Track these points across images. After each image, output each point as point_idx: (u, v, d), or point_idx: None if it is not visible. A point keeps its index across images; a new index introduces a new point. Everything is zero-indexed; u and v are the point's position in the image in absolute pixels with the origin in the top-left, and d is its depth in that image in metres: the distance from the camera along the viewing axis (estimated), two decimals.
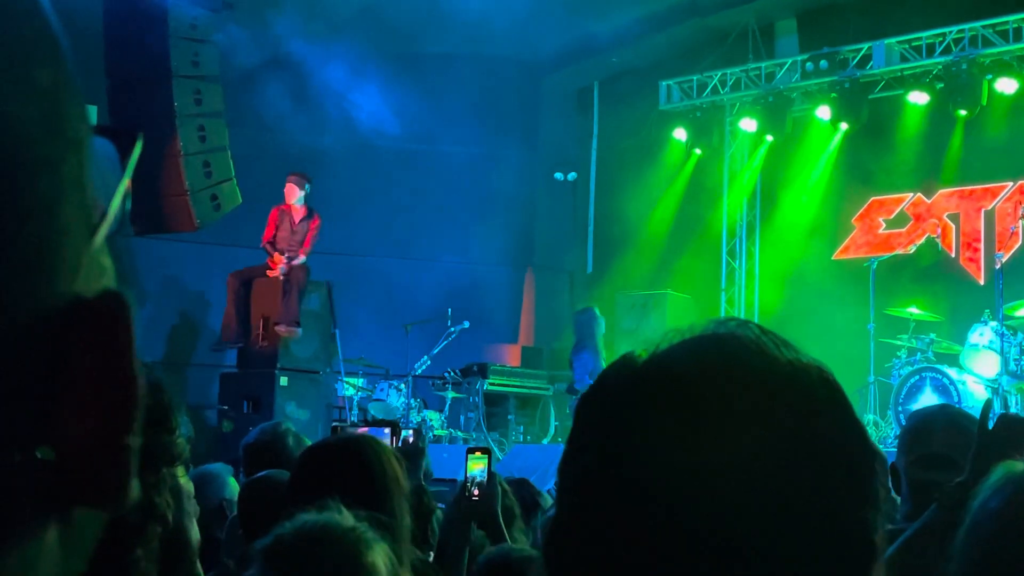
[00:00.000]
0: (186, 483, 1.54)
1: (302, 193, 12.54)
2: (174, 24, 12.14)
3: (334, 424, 4.67)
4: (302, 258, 12.40)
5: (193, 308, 14.18)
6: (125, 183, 0.63)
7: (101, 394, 0.55)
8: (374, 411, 12.47)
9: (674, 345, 0.96)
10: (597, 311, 13.06)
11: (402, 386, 12.98)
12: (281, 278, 12.31)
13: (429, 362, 13.23)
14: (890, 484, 3.57)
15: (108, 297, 0.57)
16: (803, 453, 0.90)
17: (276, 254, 12.44)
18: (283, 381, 12.18)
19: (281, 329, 12.20)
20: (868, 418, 11.88)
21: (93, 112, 10.55)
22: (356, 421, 8.04)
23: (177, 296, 14.27)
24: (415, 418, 12.90)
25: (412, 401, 13.08)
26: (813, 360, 0.96)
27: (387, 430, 4.19)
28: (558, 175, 16.41)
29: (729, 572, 0.87)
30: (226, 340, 12.66)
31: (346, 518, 2.07)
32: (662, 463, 0.89)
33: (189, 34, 12.31)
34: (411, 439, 4.96)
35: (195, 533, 1.51)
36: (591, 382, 1.01)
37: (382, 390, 13.21)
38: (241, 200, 12.78)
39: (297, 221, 12.50)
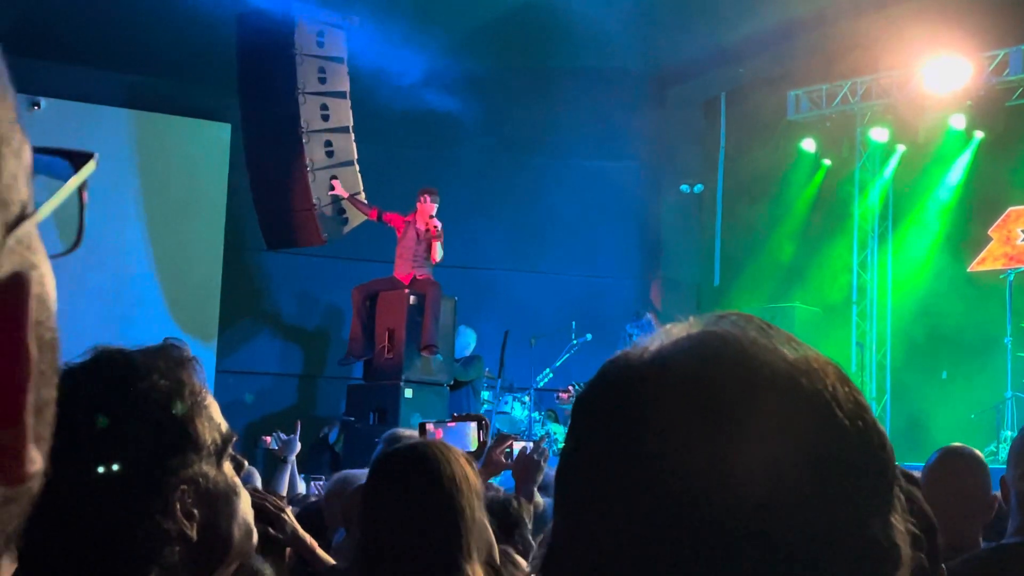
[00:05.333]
0: (226, 480, 1.48)
1: (435, 207, 12.58)
2: (300, 41, 12.40)
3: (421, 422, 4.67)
4: (434, 261, 12.43)
5: (322, 321, 14.41)
6: (65, 191, 0.64)
7: None
8: (499, 424, 12.50)
9: (678, 342, 0.92)
10: None
11: (525, 398, 13.00)
12: (412, 300, 12.38)
13: (552, 375, 13.22)
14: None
15: (11, 278, 0.58)
16: (828, 453, 0.87)
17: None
18: (408, 393, 12.30)
19: (424, 353, 12.38)
20: (1004, 434, 11.53)
21: (227, 129, 10.69)
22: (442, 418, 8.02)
23: (307, 310, 14.53)
24: (539, 431, 12.90)
25: (535, 414, 13.08)
26: (825, 357, 0.92)
27: (473, 424, 4.19)
28: (684, 187, 16.27)
29: (757, 571, 0.85)
30: (352, 353, 12.83)
31: None
32: (686, 465, 0.85)
33: (316, 51, 12.56)
34: (528, 451, 4.94)
35: (235, 533, 1.49)
36: None
37: (506, 402, 13.25)
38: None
39: (423, 231, 12.48)
